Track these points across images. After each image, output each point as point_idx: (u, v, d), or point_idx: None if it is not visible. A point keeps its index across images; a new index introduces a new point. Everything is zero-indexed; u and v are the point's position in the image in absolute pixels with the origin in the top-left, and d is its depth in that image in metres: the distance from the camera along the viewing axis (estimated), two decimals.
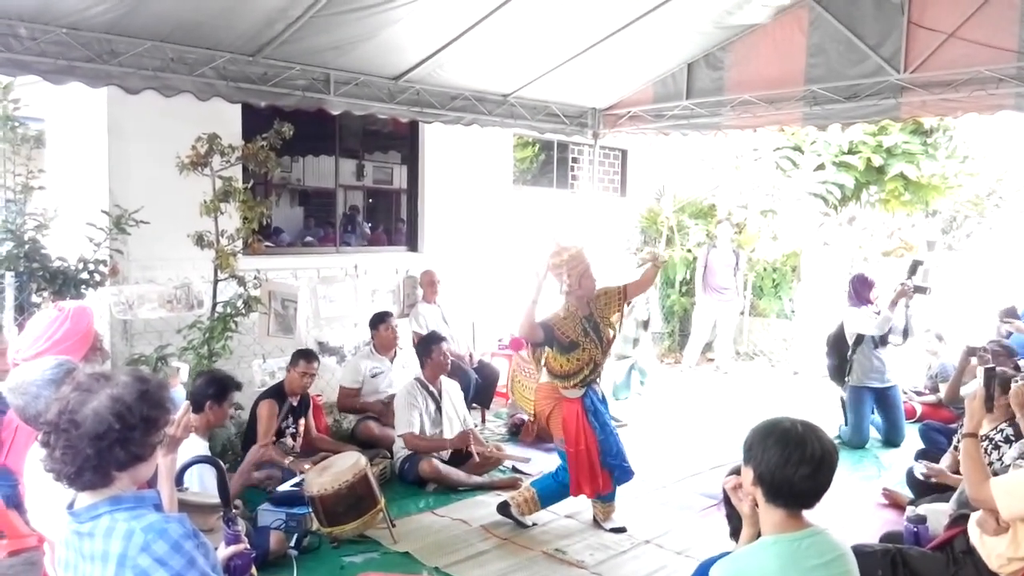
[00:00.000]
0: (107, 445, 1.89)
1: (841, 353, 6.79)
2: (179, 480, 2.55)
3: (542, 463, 5.81)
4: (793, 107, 6.88)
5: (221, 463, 2.64)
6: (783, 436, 2.11)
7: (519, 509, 4.76)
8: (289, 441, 5.35)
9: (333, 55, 5.82)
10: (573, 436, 4.61)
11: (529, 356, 4.90)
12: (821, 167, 10.14)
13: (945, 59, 5.97)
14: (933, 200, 10.80)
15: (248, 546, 2.38)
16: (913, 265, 6.65)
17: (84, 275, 5.18)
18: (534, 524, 4.79)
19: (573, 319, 4.63)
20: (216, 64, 5.37)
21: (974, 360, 5.41)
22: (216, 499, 2.83)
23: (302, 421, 5.47)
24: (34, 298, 4.96)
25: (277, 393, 5.38)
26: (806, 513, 2.16)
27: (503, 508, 4.80)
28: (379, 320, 6.42)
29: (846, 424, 6.86)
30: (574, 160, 10.62)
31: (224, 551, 2.29)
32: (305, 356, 5.46)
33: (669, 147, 10.74)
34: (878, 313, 6.58)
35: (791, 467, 2.06)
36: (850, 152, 10.21)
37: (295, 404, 5.43)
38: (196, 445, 3.65)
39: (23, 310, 4.82)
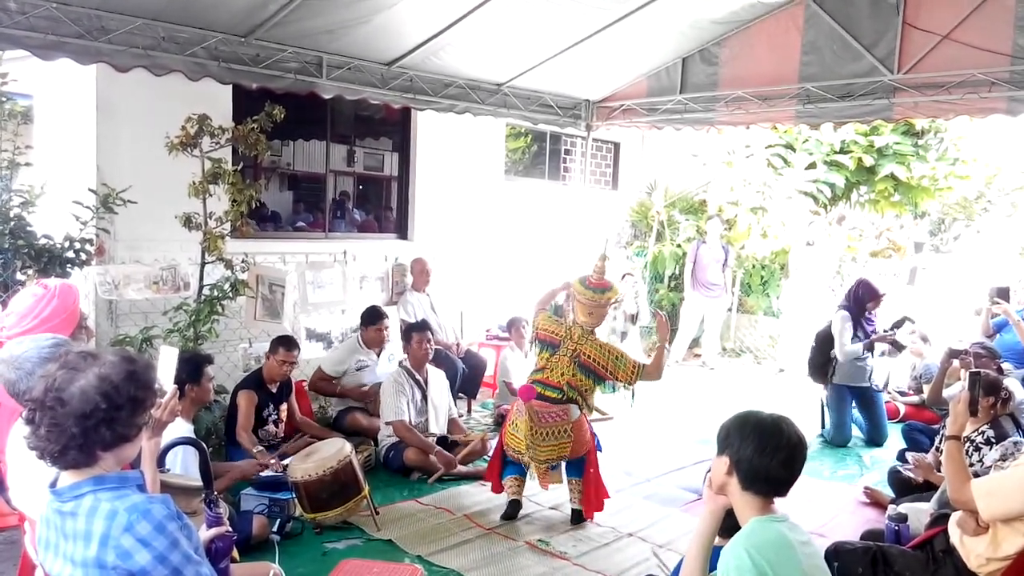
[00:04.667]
0: (93, 424, 1.87)
1: (827, 352, 6.81)
2: (161, 461, 2.53)
3: None
4: (786, 105, 6.89)
5: (204, 445, 2.62)
6: (759, 425, 2.19)
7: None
8: (272, 428, 5.32)
9: (326, 39, 5.78)
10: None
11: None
12: (812, 166, 10.15)
13: (939, 61, 6.00)
14: (922, 202, 10.85)
15: (230, 529, 2.37)
16: (901, 320, 6.73)
17: (70, 254, 5.12)
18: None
19: None
20: (208, 44, 5.31)
21: (956, 362, 5.47)
22: (198, 482, 2.81)
23: (284, 407, 5.43)
24: (19, 276, 4.90)
25: (256, 383, 5.28)
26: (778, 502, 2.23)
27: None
28: (370, 320, 6.30)
29: (824, 423, 6.91)
30: (566, 152, 10.61)
31: (205, 533, 2.27)
32: (285, 344, 5.33)
33: (662, 141, 10.75)
34: (859, 338, 6.65)
35: (768, 454, 2.13)
36: (841, 151, 10.22)
37: (274, 391, 5.36)
38: (181, 428, 3.63)
39: (7, 288, 4.76)
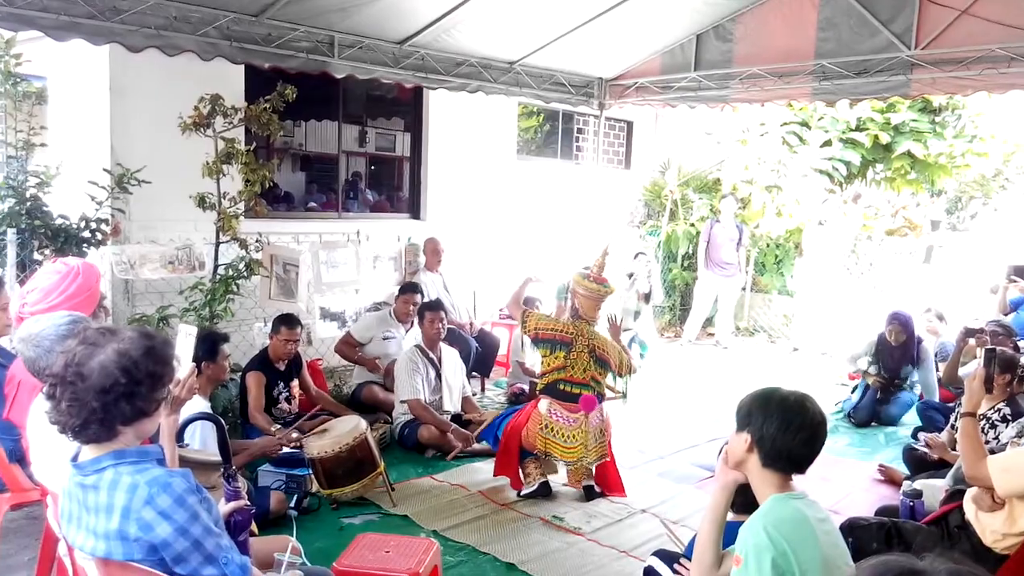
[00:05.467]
0: (113, 399, 1.90)
1: None
2: (179, 436, 2.56)
3: None
4: (802, 81, 6.82)
5: (221, 420, 2.64)
6: (783, 403, 2.18)
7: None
8: (285, 405, 5.35)
9: (338, 17, 5.76)
10: None
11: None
12: (828, 143, 10.06)
13: (957, 36, 5.91)
14: (939, 179, 10.73)
15: (248, 503, 2.40)
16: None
17: (86, 234, 5.17)
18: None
19: None
20: (220, 24, 5.30)
21: (972, 341, 5.44)
22: (217, 457, 2.84)
23: (295, 383, 5.45)
24: (36, 256, 4.95)
25: (262, 363, 5.27)
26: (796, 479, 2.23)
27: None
28: (402, 291, 6.48)
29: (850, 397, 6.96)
30: (579, 131, 10.55)
31: (225, 507, 2.30)
32: (287, 322, 5.30)
33: (675, 120, 10.67)
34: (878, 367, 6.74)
35: (791, 432, 2.12)
36: (857, 129, 10.12)
37: (283, 369, 5.36)
38: (198, 405, 3.65)
39: (25, 267, 4.81)
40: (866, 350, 6.79)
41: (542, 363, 4.87)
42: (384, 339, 6.30)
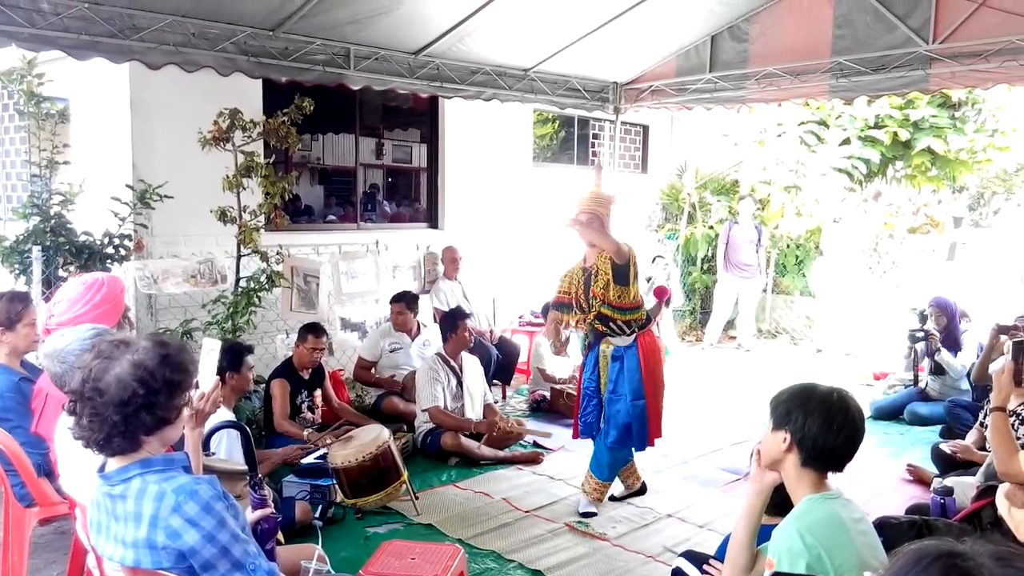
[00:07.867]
0: (133, 411, 1.91)
1: None
2: (205, 446, 2.57)
3: (562, 438, 5.82)
4: (819, 80, 6.76)
5: (247, 428, 2.65)
6: (825, 401, 2.12)
7: (595, 500, 4.68)
8: (308, 415, 5.38)
9: (353, 29, 5.80)
10: None
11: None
12: (847, 142, 9.97)
13: (976, 29, 5.84)
14: (960, 175, 10.60)
15: (275, 510, 2.40)
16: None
17: (109, 249, 5.24)
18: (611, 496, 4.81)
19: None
20: (237, 39, 5.35)
21: (1003, 338, 5.34)
22: (243, 466, 2.86)
23: (318, 393, 5.50)
24: (61, 272, 5.01)
25: (287, 371, 5.37)
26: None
27: (587, 516, 4.61)
28: (393, 300, 6.42)
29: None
30: (595, 136, 10.55)
31: (252, 515, 2.31)
32: (313, 331, 5.40)
33: (691, 122, 10.62)
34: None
35: (835, 431, 2.08)
36: (876, 126, 10.03)
37: (307, 378, 5.43)
38: (222, 415, 3.67)
39: (50, 284, 4.87)
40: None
41: (634, 294, 4.63)
42: (392, 351, 6.30)
